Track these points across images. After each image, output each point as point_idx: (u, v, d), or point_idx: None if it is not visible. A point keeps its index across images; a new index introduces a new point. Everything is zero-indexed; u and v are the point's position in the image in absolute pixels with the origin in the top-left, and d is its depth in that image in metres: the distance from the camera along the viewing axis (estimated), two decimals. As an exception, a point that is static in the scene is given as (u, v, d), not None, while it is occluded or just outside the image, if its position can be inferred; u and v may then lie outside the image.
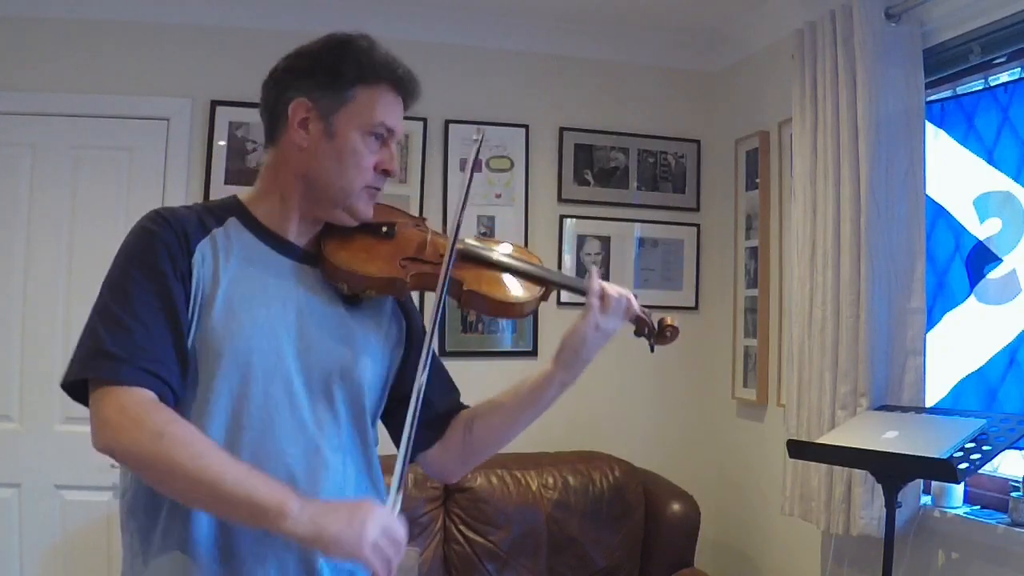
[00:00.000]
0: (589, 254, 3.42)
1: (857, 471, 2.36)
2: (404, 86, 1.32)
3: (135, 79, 3.08)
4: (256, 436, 1.20)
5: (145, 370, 1.12)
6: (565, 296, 3.36)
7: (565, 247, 3.40)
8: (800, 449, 2.31)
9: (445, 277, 1.26)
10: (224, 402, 1.19)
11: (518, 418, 1.39)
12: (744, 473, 3.29)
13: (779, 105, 3.02)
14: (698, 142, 3.58)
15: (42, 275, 2.99)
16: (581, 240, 3.43)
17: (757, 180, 3.21)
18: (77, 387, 1.17)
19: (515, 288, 1.36)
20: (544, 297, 1.39)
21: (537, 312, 3.44)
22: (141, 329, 1.14)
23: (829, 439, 2.25)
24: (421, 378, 1.23)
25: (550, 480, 3.04)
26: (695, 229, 3.55)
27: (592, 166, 3.47)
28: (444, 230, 1.46)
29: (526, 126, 3.39)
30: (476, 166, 1.43)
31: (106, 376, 1.13)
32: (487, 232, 3.34)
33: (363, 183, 1.28)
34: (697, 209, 3.57)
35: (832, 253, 2.53)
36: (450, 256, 1.27)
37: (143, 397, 1.12)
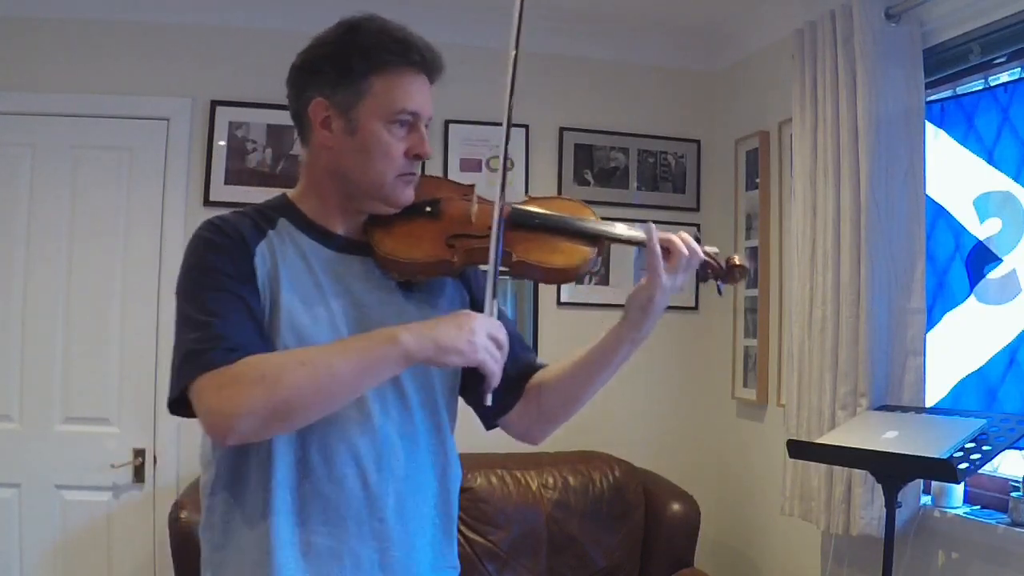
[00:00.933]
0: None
1: (857, 471, 2.36)
2: (422, 64, 1.28)
3: (135, 79, 3.08)
4: (323, 432, 1.21)
5: (228, 350, 1.12)
6: (565, 296, 3.35)
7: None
8: (800, 449, 2.31)
9: (496, 255, 1.24)
10: None
11: (593, 379, 1.38)
12: (744, 473, 3.29)
13: (779, 105, 3.02)
14: (698, 142, 3.58)
15: (42, 275, 2.98)
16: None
17: (757, 180, 3.21)
18: (182, 403, 1.16)
19: (566, 252, 1.31)
20: (599, 254, 1.33)
21: (537, 312, 3.43)
22: (216, 320, 1.15)
23: (829, 439, 2.25)
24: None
25: (550, 480, 3.03)
26: (695, 229, 3.54)
27: (592, 166, 3.47)
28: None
29: (526, 126, 3.39)
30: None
31: (196, 372, 1.12)
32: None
33: (395, 172, 1.27)
34: (697, 209, 3.57)
35: (832, 253, 2.53)
36: (497, 237, 1.24)
37: (227, 368, 1.11)
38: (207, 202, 3.10)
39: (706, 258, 1.35)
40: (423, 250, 1.28)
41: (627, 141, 3.50)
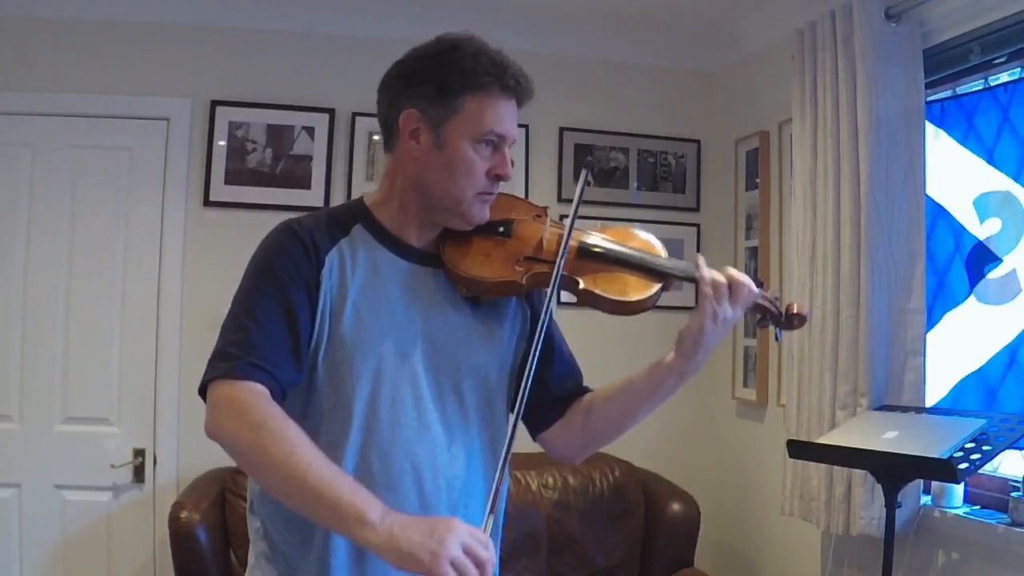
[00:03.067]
0: (589, 254, 3.43)
1: (857, 471, 2.36)
2: (515, 89, 1.31)
3: (135, 79, 3.08)
4: (385, 439, 1.24)
5: (255, 365, 1.16)
6: (565, 296, 3.35)
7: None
8: (800, 449, 2.30)
9: (556, 279, 1.27)
10: (359, 409, 1.23)
11: (638, 407, 1.39)
12: (744, 473, 3.29)
13: (779, 105, 3.02)
14: (698, 142, 3.58)
15: (42, 275, 2.99)
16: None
17: (757, 180, 3.21)
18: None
19: (633, 285, 1.33)
20: (665, 288, 1.36)
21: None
22: (257, 329, 1.18)
23: (829, 439, 2.25)
24: (526, 385, 1.23)
25: (550, 480, 3.04)
26: (695, 229, 3.54)
27: (592, 166, 3.47)
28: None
29: (526, 126, 3.38)
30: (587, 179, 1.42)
31: (220, 374, 1.17)
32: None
33: (475, 191, 1.29)
34: (697, 209, 3.57)
35: (832, 253, 2.53)
36: (560, 260, 1.27)
37: (253, 389, 1.15)
38: (207, 202, 3.11)
39: (764, 303, 1.37)
40: (493, 270, 1.31)
41: (627, 141, 3.50)
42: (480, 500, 1.31)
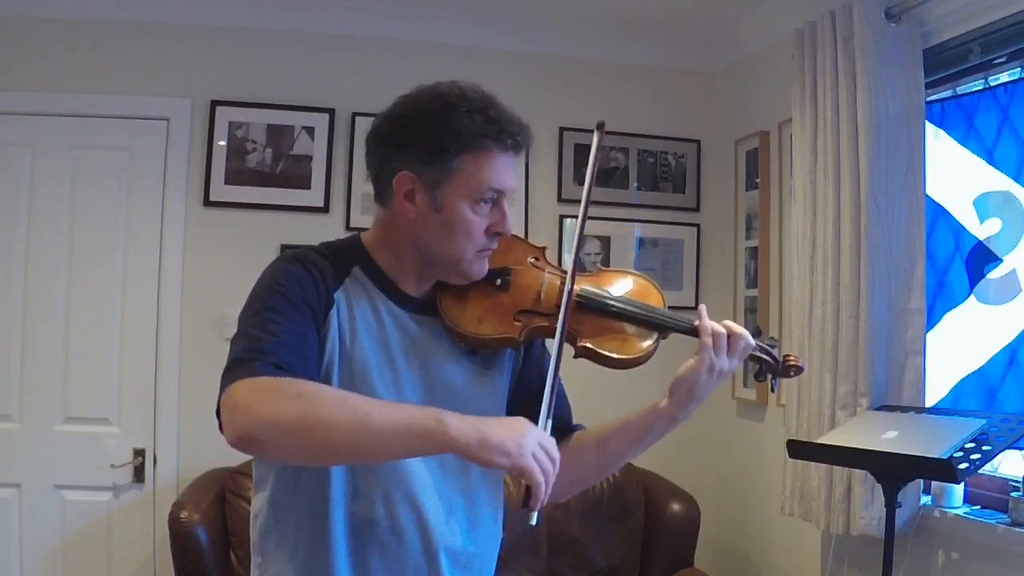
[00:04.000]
0: (589, 254, 3.43)
1: (857, 471, 2.36)
2: (514, 146, 1.28)
3: (135, 79, 3.08)
4: (385, 486, 1.23)
5: (276, 365, 1.11)
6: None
7: (565, 247, 3.40)
8: (800, 449, 2.31)
9: (559, 344, 1.24)
10: None
11: (626, 450, 1.40)
12: (744, 473, 3.29)
13: (779, 105, 3.02)
14: (698, 142, 3.58)
15: (42, 275, 2.99)
16: (581, 240, 3.42)
17: (757, 180, 3.21)
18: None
19: (631, 341, 1.32)
20: (663, 336, 1.35)
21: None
22: (271, 339, 1.14)
23: (829, 439, 2.25)
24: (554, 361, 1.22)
25: (550, 480, 3.03)
26: (695, 229, 3.54)
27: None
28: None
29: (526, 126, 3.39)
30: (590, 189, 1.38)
31: (238, 378, 1.10)
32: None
33: (475, 249, 1.27)
34: (697, 209, 3.57)
35: (832, 253, 2.53)
36: (563, 325, 1.25)
37: (272, 376, 1.10)
38: (207, 202, 3.11)
39: (761, 353, 1.36)
40: (490, 326, 1.29)
41: (627, 141, 3.50)
42: (486, 535, 1.32)
